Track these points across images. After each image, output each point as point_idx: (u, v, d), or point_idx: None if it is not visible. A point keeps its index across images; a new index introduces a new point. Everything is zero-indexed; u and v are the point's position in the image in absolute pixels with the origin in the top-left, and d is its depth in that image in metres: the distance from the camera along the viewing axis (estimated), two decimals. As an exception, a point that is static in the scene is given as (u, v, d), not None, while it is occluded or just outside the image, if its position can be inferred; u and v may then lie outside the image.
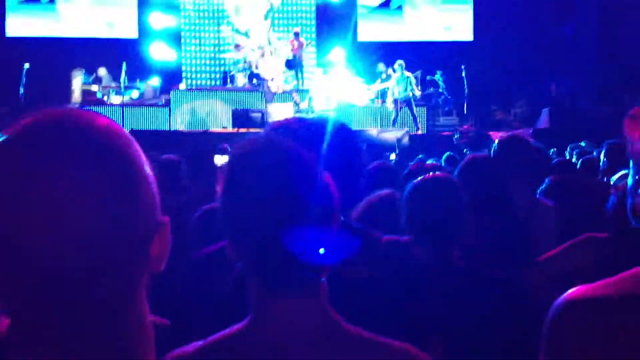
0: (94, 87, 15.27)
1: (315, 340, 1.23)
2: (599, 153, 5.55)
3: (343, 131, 1.83)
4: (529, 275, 2.78)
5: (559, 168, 5.25)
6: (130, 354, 0.89)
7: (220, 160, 6.33)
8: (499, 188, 4.15)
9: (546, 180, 4.72)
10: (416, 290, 1.99)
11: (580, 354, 1.24)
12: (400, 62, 14.49)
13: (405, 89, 14.35)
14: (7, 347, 0.86)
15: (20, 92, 14.28)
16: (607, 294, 1.26)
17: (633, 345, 1.21)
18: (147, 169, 0.90)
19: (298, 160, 1.20)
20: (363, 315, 1.44)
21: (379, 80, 15.85)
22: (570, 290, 1.34)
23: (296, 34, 15.21)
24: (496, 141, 4.13)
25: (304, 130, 1.66)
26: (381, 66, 16.00)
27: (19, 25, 16.94)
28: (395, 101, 14.44)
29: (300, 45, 15.16)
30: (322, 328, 1.24)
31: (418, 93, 14.57)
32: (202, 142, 12.37)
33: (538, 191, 4.31)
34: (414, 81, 14.46)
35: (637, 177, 1.38)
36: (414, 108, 14.38)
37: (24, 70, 14.37)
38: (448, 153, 6.67)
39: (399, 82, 14.45)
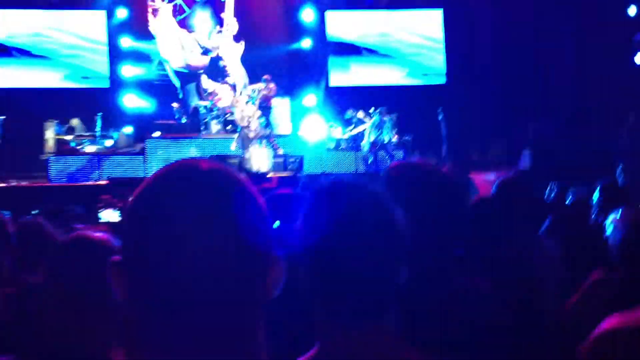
0: (68, 137, 15.16)
1: None
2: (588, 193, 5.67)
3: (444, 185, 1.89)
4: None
5: (555, 209, 5.35)
6: None
7: None
8: (500, 230, 4.22)
9: (547, 220, 4.80)
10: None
11: None
12: (381, 109, 14.72)
13: (382, 133, 14.54)
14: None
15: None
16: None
17: None
18: (262, 204, 1.02)
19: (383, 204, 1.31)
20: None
21: (352, 126, 15.98)
22: (606, 321, 1.38)
23: (265, 80, 15.37)
24: (495, 184, 4.19)
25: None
26: (350, 112, 16.16)
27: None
28: (373, 144, 14.60)
29: (270, 92, 15.26)
30: (387, 355, 1.27)
31: (394, 138, 14.77)
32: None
33: (540, 231, 4.37)
34: (389, 126, 14.65)
35: None
36: (391, 150, 14.55)
37: (0, 122, 14.27)
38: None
39: (376, 125, 14.63)
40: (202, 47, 16.82)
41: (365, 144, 14.82)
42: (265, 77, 15.51)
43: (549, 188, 7.68)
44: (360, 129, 15.60)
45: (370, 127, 14.73)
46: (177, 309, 0.90)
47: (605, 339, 1.37)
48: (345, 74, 18.78)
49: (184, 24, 17.13)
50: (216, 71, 16.61)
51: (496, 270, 3.94)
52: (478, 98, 16.58)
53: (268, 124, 14.92)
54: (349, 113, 16.05)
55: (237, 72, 15.59)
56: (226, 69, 15.38)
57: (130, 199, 0.99)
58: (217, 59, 16.68)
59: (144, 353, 0.91)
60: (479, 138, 15.96)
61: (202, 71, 16.64)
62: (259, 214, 0.98)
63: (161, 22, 16.73)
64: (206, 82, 16.53)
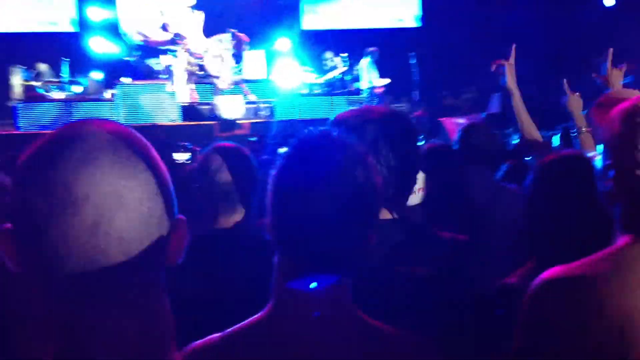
0: (35, 83, 14.83)
1: (336, 330, 1.25)
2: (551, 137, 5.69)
3: (401, 123, 1.87)
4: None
5: (515, 153, 5.37)
6: (153, 340, 0.94)
7: (179, 157, 6.23)
8: (459, 176, 4.23)
9: (503, 167, 4.82)
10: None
11: (555, 330, 1.30)
12: (372, 49, 14.61)
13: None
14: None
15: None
16: (583, 273, 1.32)
17: (605, 321, 1.28)
18: (165, 169, 1.01)
19: (350, 154, 1.31)
20: (424, 313, 1.47)
21: (330, 72, 15.81)
22: (548, 271, 1.40)
23: (233, 34, 15.05)
24: (459, 129, 4.19)
25: (361, 124, 1.77)
26: (328, 54, 15.96)
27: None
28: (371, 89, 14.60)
29: (240, 42, 14.97)
30: (341, 318, 1.26)
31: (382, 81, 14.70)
32: (149, 137, 12.17)
33: (496, 177, 4.39)
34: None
35: (607, 162, 1.45)
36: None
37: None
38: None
39: (370, 70, 14.56)
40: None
41: (364, 88, 14.72)
42: (231, 30, 15.19)
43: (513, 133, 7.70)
44: (334, 73, 15.47)
45: (368, 68, 14.62)
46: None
47: (543, 288, 1.39)
48: (318, 17, 18.50)
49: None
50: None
51: (454, 215, 3.97)
52: (452, 42, 16.45)
53: (241, 72, 14.70)
54: (327, 56, 15.85)
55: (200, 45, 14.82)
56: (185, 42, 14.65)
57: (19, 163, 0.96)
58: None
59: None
60: (452, 83, 15.90)
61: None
62: (161, 178, 0.98)
63: None
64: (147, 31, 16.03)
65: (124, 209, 0.90)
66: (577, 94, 3.39)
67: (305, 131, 1.36)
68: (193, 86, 14.20)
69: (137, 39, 15.96)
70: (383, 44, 16.49)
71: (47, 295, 0.89)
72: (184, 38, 15.58)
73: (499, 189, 4.07)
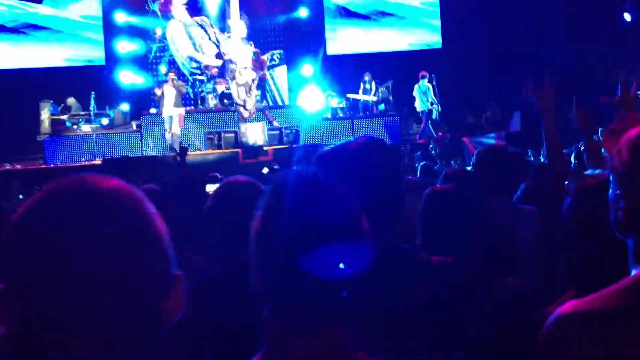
0: (63, 117, 15.11)
1: None
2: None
3: (380, 149, 1.89)
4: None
5: (540, 172, 5.26)
6: None
7: (211, 188, 6.13)
8: (479, 202, 4.13)
9: (521, 187, 4.72)
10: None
11: None
12: (422, 73, 14.58)
13: (427, 100, 14.44)
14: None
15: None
16: (598, 308, 1.26)
17: (625, 355, 1.22)
18: (159, 225, 0.97)
19: (323, 188, 1.23)
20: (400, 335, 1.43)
21: (360, 91, 15.79)
22: (563, 305, 1.35)
23: (255, 54, 15.20)
24: (474, 153, 4.11)
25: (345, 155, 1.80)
26: (367, 76, 15.84)
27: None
28: (422, 113, 14.54)
29: (262, 64, 15.10)
30: None
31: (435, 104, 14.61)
32: (174, 168, 12.31)
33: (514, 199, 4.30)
34: (431, 91, 14.50)
35: (617, 192, 1.39)
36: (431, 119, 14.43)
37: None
38: (423, 162, 6.65)
39: (420, 93, 14.51)
40: (217, 45, 16.50)
41: (419, 110, 14.61)
42: (254, 50, 15.36)
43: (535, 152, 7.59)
44: (367, 97, 15.50)
45: (418, 93, 14.57)
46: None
47: (558, 324, 1.34)
48: (341, 42, 18.60)
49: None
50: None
51: (473, 238, 3.88)
52: (472, 62, 16.39)
53: (263, 97, 14.81)
54: (366, 78, 15.79)
55: (248, 74, 15.02)
56: (236, 71, 14.87)
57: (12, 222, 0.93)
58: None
59: None
60: (473, 102, 15.81)
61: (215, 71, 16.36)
62: (148, 234, 0.95)
63: (177, 21, 16.49)
64: (201, 56, 16.40)
65: (119, 267, 0.89)
66: (585, 109, 3.28)
67: (281, 175, 1.28)
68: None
69: (193, 66, 16.28)
70: (404, 66, 16.51)
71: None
72: (211, 68, 15.84)
73: (517, 211, 3.97)
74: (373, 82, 15.74)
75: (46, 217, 0.90)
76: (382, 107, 15.18)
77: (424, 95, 14.52)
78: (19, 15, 17.10)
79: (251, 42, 15.93)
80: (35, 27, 17.19)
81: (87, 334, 0.87)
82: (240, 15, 16.13)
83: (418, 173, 5.88)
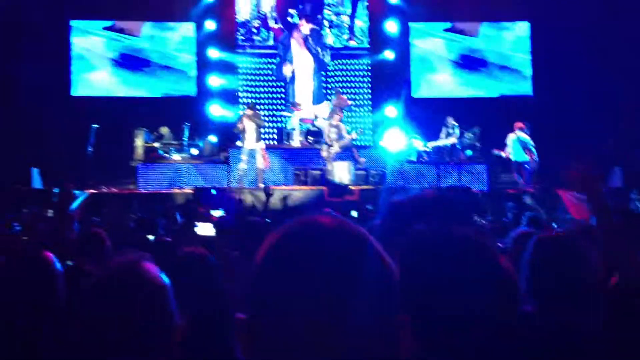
0: (156, 144, 15.68)
1: None
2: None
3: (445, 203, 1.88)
4: None
5: None
6: None
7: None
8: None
9: None
10: None
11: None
12: (519, 124, 14.46)
13: (524, 151, 14.31)
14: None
15: (89, 150, 14.78)
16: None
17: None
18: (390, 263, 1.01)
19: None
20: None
21: (442, 135, 15.69)
22: None
23: (336, 93, 15.56)
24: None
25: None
26: (450, 120, 15.74)
27: (85, 85, 17.67)
28: (514, 164, 14.42)
29: (339, 102, 15.30)
30: None
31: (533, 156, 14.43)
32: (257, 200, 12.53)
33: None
34: (531, 144, 14.33)
35: None
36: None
37: (93, 130, 14.90)
38: (530, 213, 6.55)
39: (517, 143, 14.40)
40: None
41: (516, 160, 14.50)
42: (335, 90, 15.69)
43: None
44: (449, 140, 15.41)
45: (515, 143, 14.38)
46: None
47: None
48: (428, 85, 18.67)
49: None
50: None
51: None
52: (565, 110, 16.09)
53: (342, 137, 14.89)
54: (449, 121, 15.69)
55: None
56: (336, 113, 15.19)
57: (259, 255, 0.99)
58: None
59: None
60: (566, 152, 15.44)
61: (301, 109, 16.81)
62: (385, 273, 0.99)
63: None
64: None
65: (356, 305, 0.91)
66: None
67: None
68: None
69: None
70: (492, 112, 16.39)
71: None
72: (298, 105, 16.18)
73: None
74: (457, 127, 15.64)
75: (295, 252, 0.95)
76: (469, 152, 15.07)
77: (520, 146, 14.26)
78: (116, 45, 17.96)
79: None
80: (132, 58, 18.00)
81: None
82: None
83: (524, 224, 5.81)
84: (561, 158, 14.15)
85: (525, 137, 14.33)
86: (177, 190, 13.89)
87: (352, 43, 18.36)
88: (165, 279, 1.51)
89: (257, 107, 15.82)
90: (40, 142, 15.08)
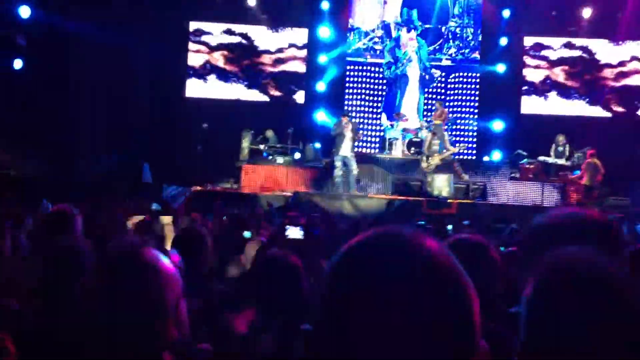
0: (261, 147, 16.12)
1: None
2: None
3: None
4: None
5: None
6: None
7: None
8: None
9: None
10: None
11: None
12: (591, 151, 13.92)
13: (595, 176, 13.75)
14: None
15: (198, 148, 15.44)
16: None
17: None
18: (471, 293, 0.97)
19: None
20: None
21: (552, 153, 15.22)
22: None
23: (439, 104, 15.55)
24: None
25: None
26: (561, 137, 15.20)
27: (197, 87, 18.45)
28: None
29: (441, 114, 15.17)
30: None
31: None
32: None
33: None
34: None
35: None
36: None
37: (204, 130, 15.56)
38: None
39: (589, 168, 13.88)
40: None
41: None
42: (436, 103, 15.61)
43: None
44: (555, 160, 14.97)
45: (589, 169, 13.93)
46: None
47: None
48: (537, 102, 18.21)
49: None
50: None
51: None
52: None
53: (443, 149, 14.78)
54: (559, 139, 15.21)
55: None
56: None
57: (330, 266, 0.99)
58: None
59: None
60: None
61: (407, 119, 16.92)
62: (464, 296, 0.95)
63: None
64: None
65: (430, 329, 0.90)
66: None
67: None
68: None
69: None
70: (604, 133, 15.75)
71: None
72: (403, 116, 16.23)
73: None
74: (567, 146, 15.12)
75: (364, 262, 0.95)
76: (577, 172, 14.55)
77: (593, 171, 13.65)
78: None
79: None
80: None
81: None
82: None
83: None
84: None
85: (597, 162, 13.71)
86: (278, 192, 14.22)
87: (467, 55, 18.21)
88: (169, 265, 1.50)
89: (359, 115, 15.97)
90: (154, 139, 15.92)
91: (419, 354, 0.89)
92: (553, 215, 1.71)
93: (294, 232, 4.49)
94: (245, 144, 15.98)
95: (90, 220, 5.05)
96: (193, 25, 18.50)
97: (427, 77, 17.68)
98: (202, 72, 18.54)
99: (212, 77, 18.55)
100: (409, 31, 17.73)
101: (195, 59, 18.53)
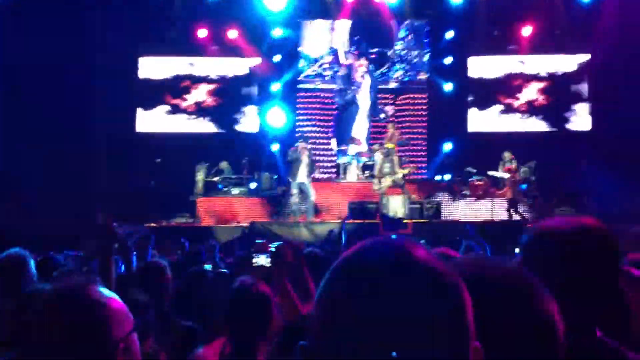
0: (215, 179, 16.11)
1: None
2: None
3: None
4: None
5: None
6: None
7: None
8: None
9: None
10: None
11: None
12: None
13: None
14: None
15: (151, 184, 15.34)
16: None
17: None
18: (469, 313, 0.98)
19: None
20: None
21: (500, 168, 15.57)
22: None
23: (392, 126, 15.85)
24: None
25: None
26: (507, 154, 15.47)
27: (147, 121, 18.32)
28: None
29: (391, 137, 15.43)
30: None
31: None
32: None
33: None
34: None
35: None
36: None
37: (157, 164, 15.48)
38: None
39: None
40: None
41: None
42: (389, 125, 15.91)
43: None
44: (502, 174, 15.31)
45: None
46: None
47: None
48: (484, 119, 18.64)
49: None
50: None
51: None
52: (623, 146, 15.74)
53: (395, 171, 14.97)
54: (505, 155, 15.57)
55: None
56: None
57: (323, 282, 0.99)
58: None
59: None
60: (623, 188, 15.06)
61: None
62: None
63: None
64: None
65: (421, 337, 0.90)
66: None
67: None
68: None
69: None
70: (547, 147, 16.21)
71: None
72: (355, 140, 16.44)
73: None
74: (514, 162, 15.50)
75: (356, 276, 0.94)
76: (523, 186, 14.96)
77: None
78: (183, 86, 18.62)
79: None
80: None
81: None
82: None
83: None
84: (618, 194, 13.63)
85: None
86: (234, 224, 14.23)
87: (413, 77, 18.57)
88: (117, 302, 1.57)
89: (311, 142, 16.12)
90: (107, 177, 15.72)
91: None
92: (554, 223, 1.72)
93: (261, 260, 4.56)
94: (200, 177, 15.97)
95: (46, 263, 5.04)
96: (142, 61, 18.42)
97: (373, 105, 17.81)
98: (153, 106, 18.41)
99: (161, 110, 18.43)
100: (358, 58, 18.01)
101: (146, 94, 18.39)
